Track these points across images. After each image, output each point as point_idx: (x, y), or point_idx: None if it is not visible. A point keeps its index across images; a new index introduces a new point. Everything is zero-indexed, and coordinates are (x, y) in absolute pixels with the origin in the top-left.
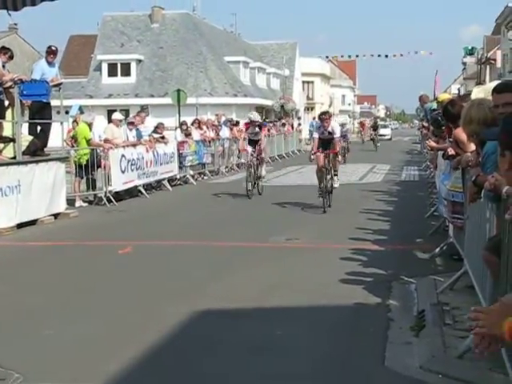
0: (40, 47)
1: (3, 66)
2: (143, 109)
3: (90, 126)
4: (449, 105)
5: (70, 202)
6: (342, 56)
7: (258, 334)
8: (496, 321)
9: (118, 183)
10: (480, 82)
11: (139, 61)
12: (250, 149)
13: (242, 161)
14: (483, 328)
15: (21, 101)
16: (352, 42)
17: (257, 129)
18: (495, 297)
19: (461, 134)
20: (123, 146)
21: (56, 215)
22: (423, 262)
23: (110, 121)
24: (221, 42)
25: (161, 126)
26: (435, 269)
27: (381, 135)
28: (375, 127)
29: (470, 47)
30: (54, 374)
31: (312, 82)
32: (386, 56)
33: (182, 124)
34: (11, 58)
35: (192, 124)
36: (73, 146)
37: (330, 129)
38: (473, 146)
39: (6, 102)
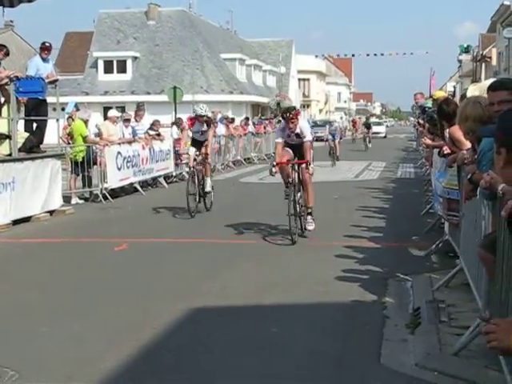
0: (36, 44)
1: None
2: (139, 106)
3: (85, 122)
4: (443, 103)
5: (66, 199)
6: (338, 55)
7: (253, 332)
8: (505, 335)
9: (114, 180)
10: (476, 79)
11: (135, 58)
12: (192, 151)
13: (239, 158)
14: (494, 341)
15: (17, 98)
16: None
17: (204, 126)
18: (490, 294)
19: (456, 131)
20: (119, 143)
21: (52, 212)
22: (419, 260)
23: (105, 118)
24: (217, 39)
25: (157, 123)
26: (431, 266)
27: (375, 133)
28: (368, 125)
29: (465, 45)
30: (50, 372)
31: (308, 80)
32: (382, 54)
33: (177, 121)
34: (7, 54)
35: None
36: (69, 143)
37: (298, 130)
38: (468, 144)
39: (2, 99)
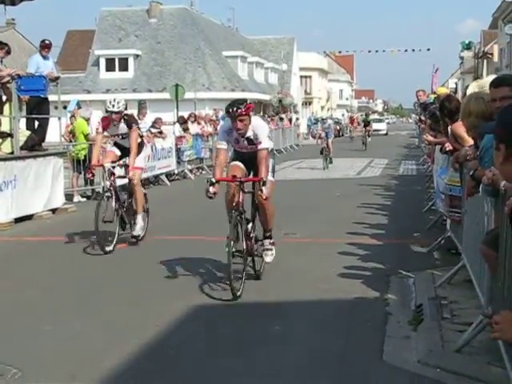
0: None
1: (1, 61)
2: (141, 104)
3: (87, 120)
4: (446, 100)
5: (68, 197)
6: (339, 52)
7: (256, 329)
8: (509, 327)
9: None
10: (477, 76)
11: (137, 56)
12: (108, 162)
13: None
14: (498, 332)
15: (18, 96)
16: (350, 36)
17: (121, 127)
18: (493, 291)
19: (458, 128)
20: None
21: (54, 210)
22: (421, 257)
23: None
24: (219, 36)
25: (159, 121)
26: (433, 263)
27: (375, 130)
28: (367, 123)
29: (467, 42)
30: (52, 370)
31: (310, 77)
32: (384, 51)
33: (181, 119)
34: (8, 52)
35: (188, 118)
36: (70, 141)
37: (250, 133)
38: (470, 141)
39: (4, 97)
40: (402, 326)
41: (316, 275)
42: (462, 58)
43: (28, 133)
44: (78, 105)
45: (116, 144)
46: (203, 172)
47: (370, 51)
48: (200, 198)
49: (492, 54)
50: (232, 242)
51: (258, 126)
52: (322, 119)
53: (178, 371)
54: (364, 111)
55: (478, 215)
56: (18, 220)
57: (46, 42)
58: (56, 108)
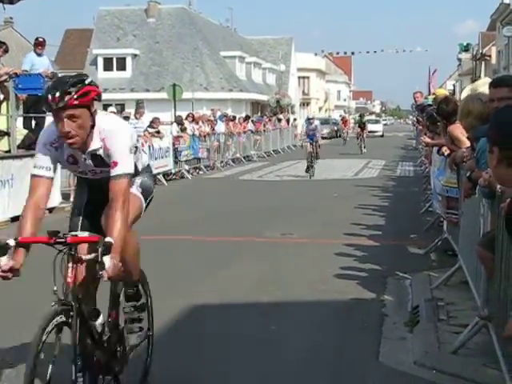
0: None
1: None
2: (139, 104)
3: None
4: (443, 102)
5: (65, 196)
6: (337, 53)
7: (252, 330)
8: None
9: None
10: (475, 78)
11: (135, 55)
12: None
13: (238, 155)
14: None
15: (16, 94)
16: (347, 37)
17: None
18: (489, 292)
19: (455, 130)
20: None
21: (51, 209)
22: (418, 258)
23: None
24: (217, 36)
25: (156, 121)
26: (430, 264)
27: (371, 132)
28: (362, 125)
29: (465, 43)
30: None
31: (307, 78)
32: (382, 51)
33: (179, 119)
34: (6, 51)
35: (186, 118)
36: None
37: (96, 146)
38: (467, 142)
39: (1, 96)
40: (399, 327)
41: (313, 276)
42: (459, 59)
43: (25, 131)
44: None
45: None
46: (200, 172)
47: (368, 52)
48: (197, 197)
49: (490, 55)
50: None
51: (112, 132)
52: (308, 119)
53: (175, 372)
54: (361, 112)
55: (475, 217)
56: (15, 219)
57: (40, 39)
58: None
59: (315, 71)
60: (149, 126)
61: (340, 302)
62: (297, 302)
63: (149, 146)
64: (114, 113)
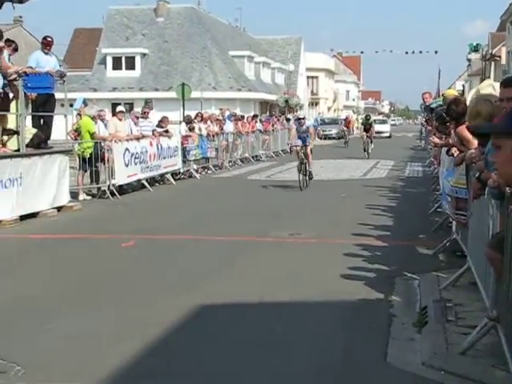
0: None
1: (8, 59)
2: (147, 102)
3: (92, 118)
4: (452, 103)
5: (74, 195)
6: (346, 52)
7: (259, 330)
8: None
9: (122, 177)
10: (484, 78)
11: (144, 54)
12: None
13: (246, 155)
14: None
15: (25, 93)
16: (357, 37)
17: None
18: (498, 293)
19: (464, 130)
20: (127, 140)
21: (59, 208)
22: (426, 258)
23: (113, 114)
24: (226, 36)
25: (165, 120)
26: (438, 265)
27: (378, 132)
28: (368, 126)
29: (474, 44)
30: (55, 367)
31: (316, 77)
32: (391, 51)
33: (188, 119)
34: (16, 50)
35: (195, 118)
36: (76, 139)
37: None
38: (476, 143)
39: (11, 95)
40: (407, 328)
41: (320, 276)
42: (469, 60)
43: (34, 130)
44: (85, 103)
45: None
46: (209, 171)
47: (377, 52)
48: (205, 197)
49: (500, 56)
50: None
51: None
52: (298, 119)
53: (180, 371)
54: (370, 112)
55: (484, 218)
56: (24, 217)
57: (48, 39)
58: (62, 106)
59: (324, 71)
60: (157, 126)
61: (348, 302)
62: (304, 302)
63: (157, 146)
64: (123, 112)
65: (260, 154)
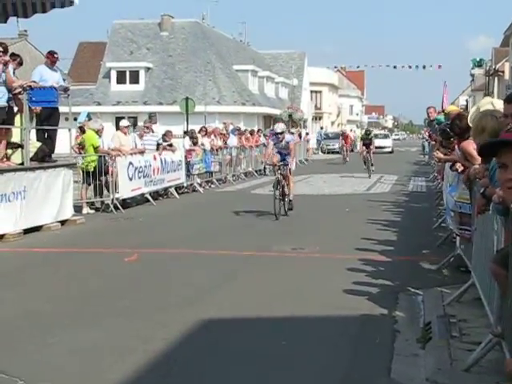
0: None
1: (13, 73)
2: (151, 116)
3: (97, 132)
4: (456, 119)
5: (77, 209)
6: (350, 66)
7: (263, 344)
8: None
9: (126, 190)
10: (488, 93)
11: (148, 68)
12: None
13: (250, 169)
14: None
15: (29, 107)
16: (360, 52)
17: None
18: (502, 309)
19: (468, 146)
20: (131, 154)
21: (63, 222)
22: (430, 274)
23: (117, 128)
24: (230, 50)
25: (169, 134)
26: (442, 280)
27: (379, 147)
28: (368, 141)
29: (478, 59)
30: (58, 382)
31: (320, 92)
32: (395, 67)
33: (191, 133)
34: (20, 64)
35: (199, 132)
36: (80, 153)
37: None
38: (480, 159)
39: (15, 108)
40: (411, 343)
41: (324, 291)
42: (472, 75)
43: (38, 144)
44: (89, 116)
45: None
46: (212, 186)
47: (380, 65)
48: (209, 211)
49: (503, 71)
50: None
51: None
52: (276, 134)
53: None
54: (374, 127)
55: (488, 233)
56: (27, 231)
57: (55, 55)
58: (66, 119)
59: (328, 85)
60: (161, 139)
61: (351, 317)
62: (307, 317)
63: (161, 159)
64: (127, 126)
65: (263, 168)
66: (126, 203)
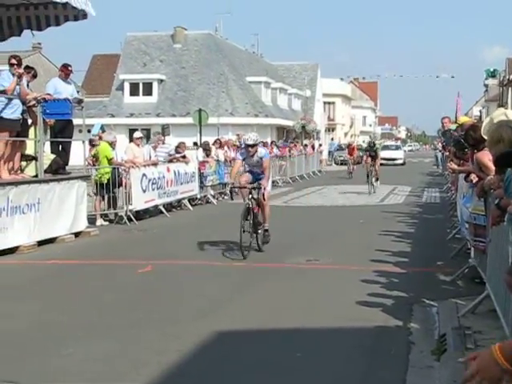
0: None
1: (27, 85)
2: (164, 128)
3: (110, 144)
4: (471, 130)
5: (91, 221)
6: (363, 78)
7: (276, 356)
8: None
9: (139, 202)
10: (502, 104)
11: (161, 80)
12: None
13: None
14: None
15: (43, 119)
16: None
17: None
18: None
19: (483, 157)
20: (144, 166)
21: (77, 233)
22: (445, 285)
23: (131, 140)
24: (243, 62)
25: (182, 146)
26: (457, 292)
27: (388, 159)
28: (373, 153)
29: (491, 69)
30: None
31: (333, 103)
32: (408, 76)
33: (204, 145)
34: (35, 76)
35: (213, 144)
36: (94, 165)
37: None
38: (495, 169)
39: (29, 121)
40: (425, 355)
41: (338, 302)
42: (486, 85)
43: (52, 156)
44: (102, 128)
45: None
46: (225, 197)
47: (394, 75)
48: (222, 222)
49: None
50: None
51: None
52: (246, 146)
53: None
54: (387, 138)
55: (503, 245)
56: (41, 243)
57: (69, 68)
58: (80, 131)
59: (341, 97)
60: (174, 151)
61: (366, 329)
62: (322, 328)
63: (174, 171)
64: (141, 138)
65: (277, 179)
66: (139, 215)
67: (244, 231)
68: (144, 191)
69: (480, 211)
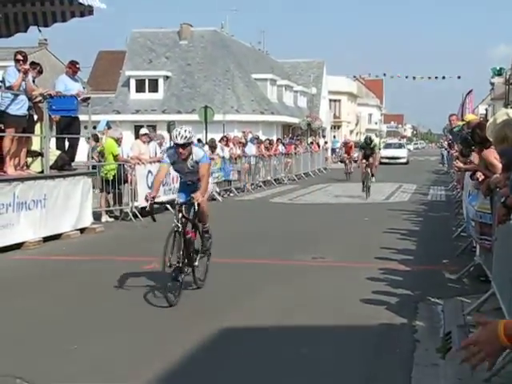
0: None
1: (33, 81)
2: (170, 125)
3: (116, 141)
4: (477, 128)
5: (96, 217)
6: (369, 75)
7: (283, 353)
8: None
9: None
10: (508, 102)
11: (167, 77)
12: None
13: (269, 178)
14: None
15: (49, 115)
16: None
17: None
18: None
19: (490, 155)
20: (150, 162)
21: (82, 230)
22: (450, 283)
23: (136, 136)
24: (248, 59)
25: None
26: (462, 290)
27: (390, 158)
28: (368, 152)
29: (497, 68)
30: None
31: (339, 101)
32: (414, 78)
33: (211, 142)
34: (40, 72)
35: (220, 141)
36: (99, 161)
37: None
38: (501, 168)
39: (35, 117)
40: (431, 353)
41: (343, 300)
42: (492, 84)
43: (58, 152)
44: (108, 125)
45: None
46: (231, 194)
47: (399, 76)
48: (227, 219)
49: None
50: None
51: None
52: (176, 145)
53: None
54: (393, 136)
55: (509, 243)
56: (47, 239)
57: (77, 65)
58: (86, 128)
59: (346, 94)
60: None
61: (371, 326)
62: (327, 326)
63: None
64: (147, 134)
65: (282, 177)
66: (144, 211)
67: (170, 266)
68: (150, 188)
69: (486, 209)
